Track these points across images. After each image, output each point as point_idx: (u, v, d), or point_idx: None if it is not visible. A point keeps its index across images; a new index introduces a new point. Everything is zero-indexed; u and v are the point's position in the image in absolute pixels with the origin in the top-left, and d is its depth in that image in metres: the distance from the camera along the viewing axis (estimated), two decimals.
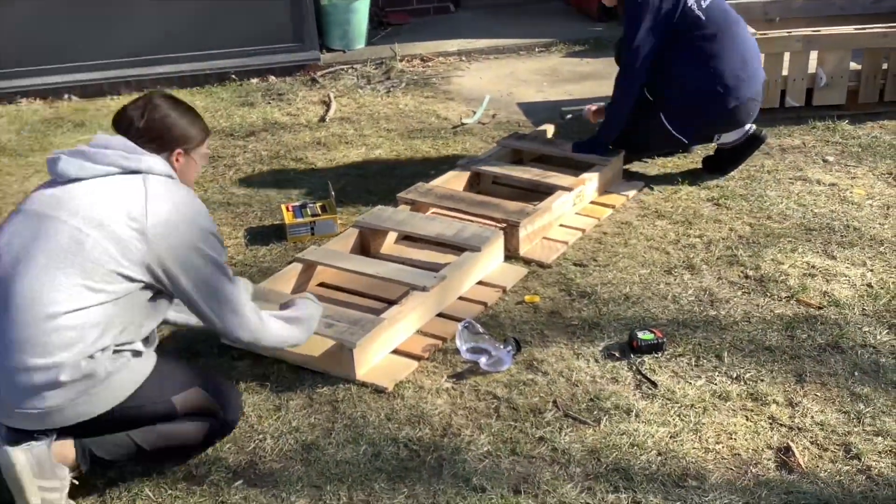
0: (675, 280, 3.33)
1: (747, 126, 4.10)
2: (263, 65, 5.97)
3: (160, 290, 2.30)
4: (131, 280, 2.22)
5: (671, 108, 4.00)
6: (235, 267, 3.53)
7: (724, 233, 3.67)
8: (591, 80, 5.75)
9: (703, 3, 3.87)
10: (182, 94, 5.61)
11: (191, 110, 2.45)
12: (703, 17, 3.86)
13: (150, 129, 2.35)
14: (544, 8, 7.27)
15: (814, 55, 4.76)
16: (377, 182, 4.29)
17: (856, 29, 4.77)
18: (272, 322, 2.51)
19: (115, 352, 2.23)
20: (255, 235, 3.80)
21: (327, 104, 5.37)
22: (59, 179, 2.29)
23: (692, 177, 4.20)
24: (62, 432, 2.27)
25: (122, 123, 2.37)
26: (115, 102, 5.50)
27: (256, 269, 3.50)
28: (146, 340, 2.34)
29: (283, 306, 2.75)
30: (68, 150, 2.32)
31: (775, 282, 3.27)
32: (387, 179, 4.31)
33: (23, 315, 2.15)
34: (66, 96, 5.68)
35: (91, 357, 2.17)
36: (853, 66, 4.83)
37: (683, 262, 3.45)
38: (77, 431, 2.28)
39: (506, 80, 5.84)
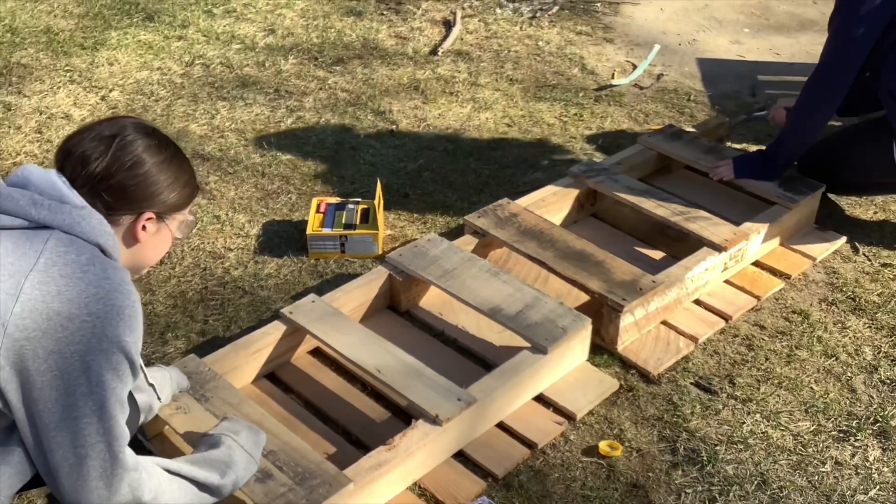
0: (851, 456, 2.05)
1: None
2: None
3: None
4: None
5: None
6: (225, 289, 2.56)
7: None
8: (812, 30, 4.20)
9: None
10: None
11: (176, 157, 1.60)
12: None
13: (110, 176, 1.52)
14: None
15: None
16: (467, 166, 3.13)
17: None
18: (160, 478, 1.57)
19: None
20: (272, 237, 2.78)
21: (449, 26, 4.16)
22: None
23: None
24: None
25: (70, 159, 1.52)
26: None
27: (246, 303, 2.51)
28: None
29: (201, 440, 1.79)
30: None
31: None
32: (481, 165, 3.15)
33: None
34: None
35: None
36: None
37: (874, 416, 2.15)
38: None
39: (695, 17, 4.37)
